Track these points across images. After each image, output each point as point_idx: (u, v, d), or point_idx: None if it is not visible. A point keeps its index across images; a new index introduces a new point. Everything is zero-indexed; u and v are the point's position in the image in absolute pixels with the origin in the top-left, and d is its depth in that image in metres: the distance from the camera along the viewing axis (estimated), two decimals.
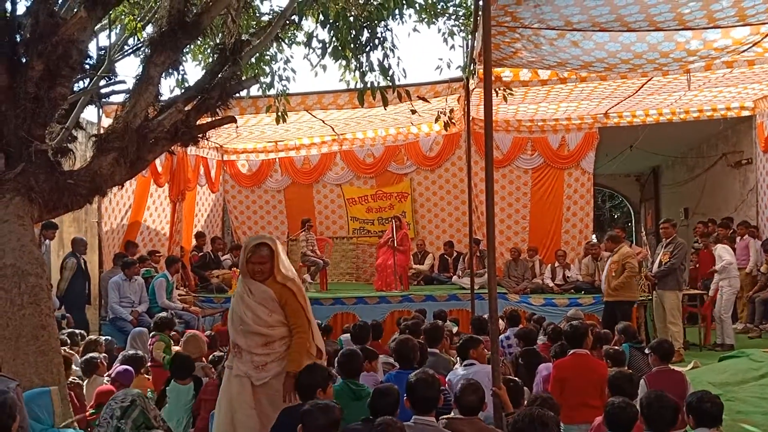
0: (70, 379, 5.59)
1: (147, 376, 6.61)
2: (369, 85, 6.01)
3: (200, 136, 5.49)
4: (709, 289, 10.91)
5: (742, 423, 5.97)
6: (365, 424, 3.69)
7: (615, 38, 7.18)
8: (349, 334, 7.45)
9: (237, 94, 5.81)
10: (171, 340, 7.56)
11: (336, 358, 5.48)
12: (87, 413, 5.19)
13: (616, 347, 6.72)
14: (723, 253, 10.63)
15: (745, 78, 10.08)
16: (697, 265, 12.33)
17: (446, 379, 5.29)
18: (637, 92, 10.86)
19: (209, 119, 5.56)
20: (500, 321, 8.22)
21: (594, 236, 13.80)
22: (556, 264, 12.52)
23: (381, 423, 3.42)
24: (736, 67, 8.87)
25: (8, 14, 4.25)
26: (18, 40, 4.30)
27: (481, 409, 4.08)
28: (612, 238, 10.24)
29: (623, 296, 9.56)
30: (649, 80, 9.94)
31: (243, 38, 5.63)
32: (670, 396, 3.91)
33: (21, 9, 4.37)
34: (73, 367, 6.31)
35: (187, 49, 6.63)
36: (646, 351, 6.14)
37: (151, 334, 7.60)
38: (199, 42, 6.67)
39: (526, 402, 4.68)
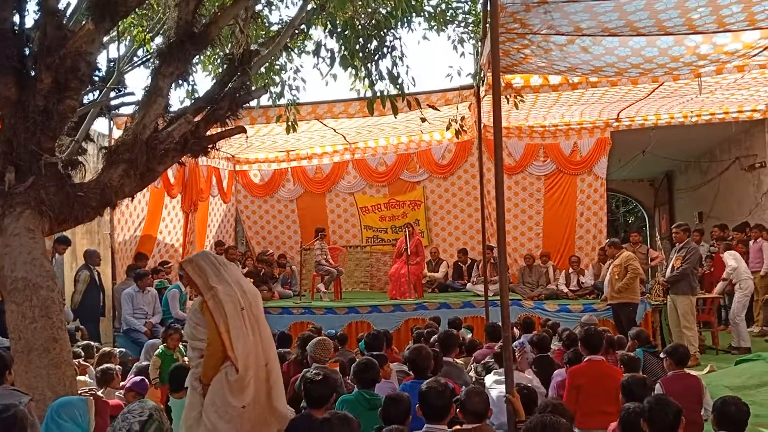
0: (86, 389, 5.58)
1: (157, 389, 6.59)
2: (378, 93, 6.00)
3: (210, 146, 5.47)
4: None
5: (759, 427, 5.89)
6: None
7: (625, 43, 7.14)
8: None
9: (246, 104, 5.80)
10: (173, 354, 7.37)
11: (352, 367, 5.44)
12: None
13: (630, 353, 6.67)
14: (728, 259, 10.63)
15: (757, 82, 10.00)
16: (712, 269, 12.24)
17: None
18: (648, 96, 10.79)
19: (219, 130, 5.56)
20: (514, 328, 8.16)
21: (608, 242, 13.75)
22: (570, 270, 12.61)
23: None
24: (747, 71, 8.78)
25: (16, 27, 4.27)
26: (26, 53, 4.32)
27: (486, 415, 4.05)
28: (613, 244, 10.52)
29: (626, 298, 9.78)
30: (660, 85, 9.89)
31: (252, 48, 5.63)
32: (672, 400, 3.86)
33: (29, 22, 4.39)
34: (87, 378, 6.31)
35: (197, 60, 6.66)
36: (661, 356, 6.10)
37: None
38: (208, 52, 6.69)
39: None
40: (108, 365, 6.29)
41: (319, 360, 6.00)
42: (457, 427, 3.98)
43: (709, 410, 4.92)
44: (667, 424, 3.73)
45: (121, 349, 7.92)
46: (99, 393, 5.93)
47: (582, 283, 12.36)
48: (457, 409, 4.00)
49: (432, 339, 7.08)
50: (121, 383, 6.23)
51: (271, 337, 4.69)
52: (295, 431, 4.06)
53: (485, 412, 4.03)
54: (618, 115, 12.76)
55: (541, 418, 3.29)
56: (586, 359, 5.74)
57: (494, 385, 5.34)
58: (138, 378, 5.88)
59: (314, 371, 4.68)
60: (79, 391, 4.74)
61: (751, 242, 11.59)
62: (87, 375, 6.48)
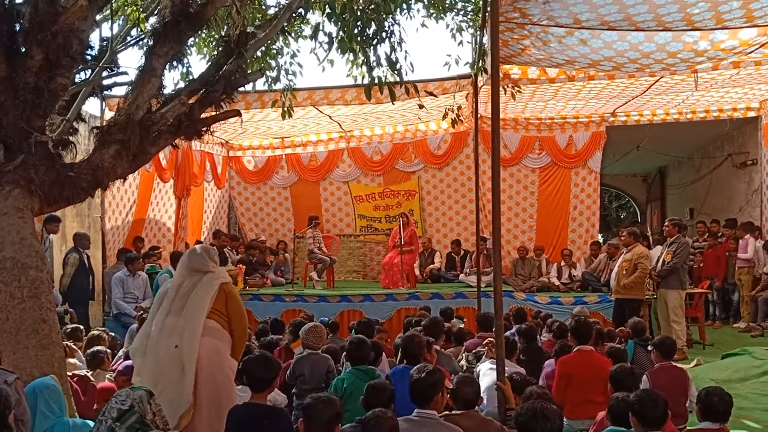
0: (75, 372, 5.54)
1: None
2: (376, 79, 5.94)
3: (204, 129, 5.42)
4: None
5: (743, 419, 5.94)
6: (360, 423, 3.61)
7: (623, 37, 7.12)
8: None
9: (242, 88, 5.73)
10: None
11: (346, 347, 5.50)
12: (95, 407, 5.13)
13: (619, 345, 6.71)
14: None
15: (752, 79, 10.02)
16: (701, 264, 12.27)
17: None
18: (645, 92, 10.79)
19: (213, 113, 5.50)
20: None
21: (600, 236, 13.75)
22: (562, 263, 12.65)
23: (372, 417, 3.37)
24: (743, 67, 8.79)
25: (6, 2, 4.20)
26: (17, 29, 4.24)
27: (477, 403, 4.06)
28: (633, 233, 9.99)
29: (632, 294, 9.58)
30: (657, 80, 9.88)
31: (248, 31, 5.56)
32: (660, 393, 3.87)
33: None
34: (75, 361, 6.27)
35: (192, 42, 6.59)
36: (649, 348, 6.12)
37: None
38: (203, 35, 6.62)
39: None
40: (98, 348, 6.25)
41: (311, 347, 5.97)
42: (446, 412, 4.01)
43: (694, 402, 4.97)
44: (655, 418, 3.74)
45: (111, 333, 7.86)
46: (89, 375, 5.92)
47: (573, 276, 12.40)
48: (448, 395, 4.01)
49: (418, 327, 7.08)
50: (112, 366, 6.19)
51: (195, 321, 4.82)
52: (242, 422, 3.96)
53: (475, 401, 4.08)
54: (614, 110, 12.77)
55: (532, 405, 3.30)
56: (575, 349, 5.77)
57: (489, 372, 5.34)
58: (132, 363, 5.82)
59: (257, 352, 4.63)
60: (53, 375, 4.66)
61: (740, 240, 11.70)
62: (75, 358, 6.44)
